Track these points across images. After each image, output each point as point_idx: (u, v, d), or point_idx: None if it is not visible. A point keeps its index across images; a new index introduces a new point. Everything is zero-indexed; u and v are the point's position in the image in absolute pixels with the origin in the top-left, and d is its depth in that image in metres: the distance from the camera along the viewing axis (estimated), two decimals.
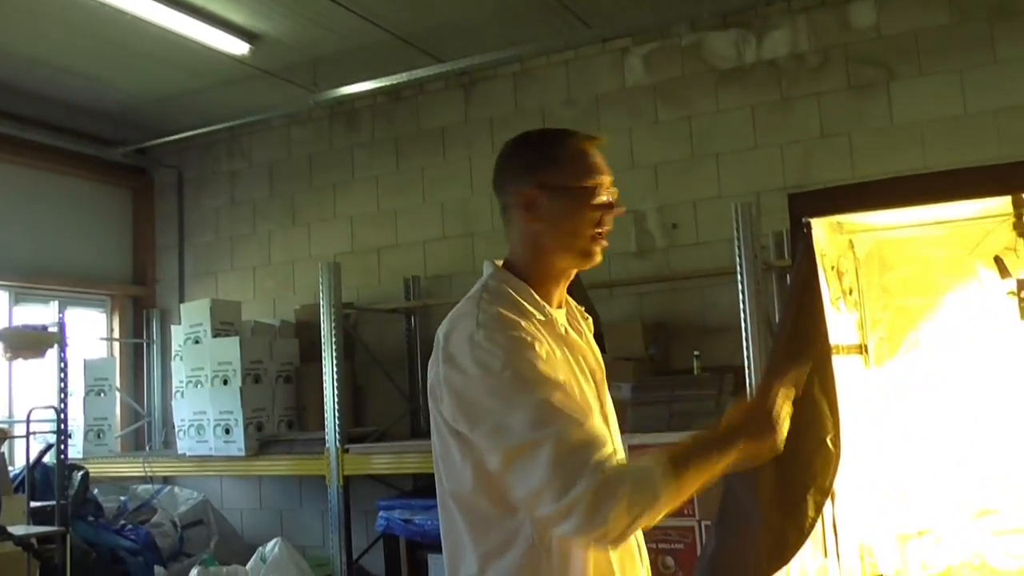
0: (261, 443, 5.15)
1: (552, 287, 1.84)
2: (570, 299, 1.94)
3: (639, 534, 1.83)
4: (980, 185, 3.11)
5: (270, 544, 4.91)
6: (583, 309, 1.96)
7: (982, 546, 3.47)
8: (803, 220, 3.22)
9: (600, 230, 1.79)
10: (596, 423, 1.64)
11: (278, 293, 6.14)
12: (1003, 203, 3.20)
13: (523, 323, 1.69)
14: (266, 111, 5.93)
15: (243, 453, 5.07)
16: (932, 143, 4.46)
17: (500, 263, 1.87)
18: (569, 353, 1.78)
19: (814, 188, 3.31)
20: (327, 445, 4.89)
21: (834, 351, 3.15)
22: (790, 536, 2.94)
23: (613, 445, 1.70)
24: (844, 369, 3.28)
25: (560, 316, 1.83)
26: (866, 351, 3.65)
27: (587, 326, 1.94)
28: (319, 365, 4.98)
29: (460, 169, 5.63)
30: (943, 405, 3.57)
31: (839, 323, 3.37)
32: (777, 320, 3.96)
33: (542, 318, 1.75)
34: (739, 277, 4.04)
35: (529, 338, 1.66)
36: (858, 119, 4.65)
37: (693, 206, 4.92)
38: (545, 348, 1.67)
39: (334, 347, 4.93)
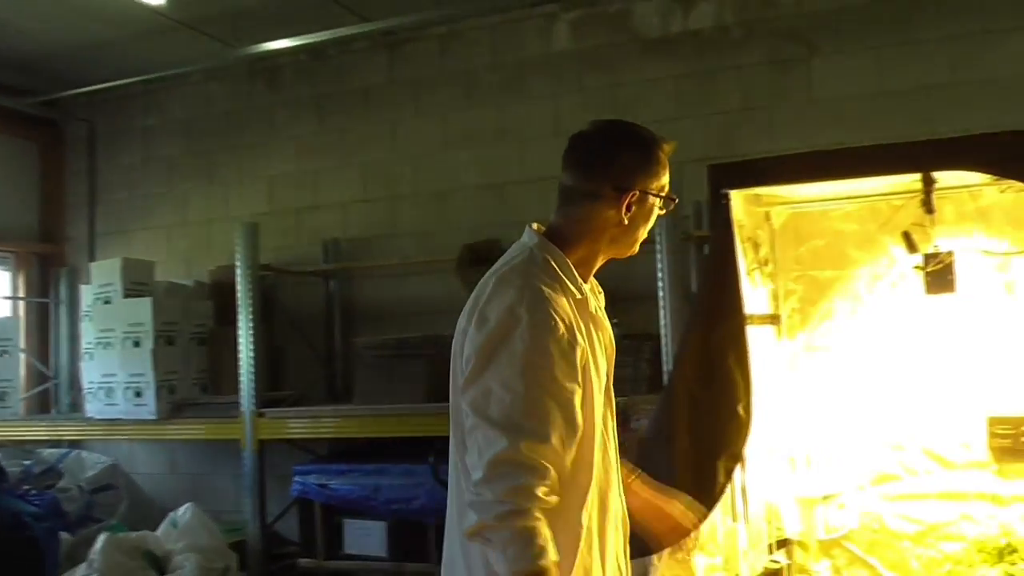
0: (173, 406, 5.06)
1: (592, 268, 1.97)
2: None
3: (623, 500, 1.99)
4: (891, 162, 3.18)
5: (182, 509, 4.84)
6: (598, 283, 2.07)
7: (881, 510, 3.60)
8: (722, 191, 3.25)
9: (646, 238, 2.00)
10: (557, 444, 1.73)
11: (193, 254, 6.00)
12: (913, 180, 3.28)
13: (563, 305, 1.80)
14: (183, 65, 5.76)
15: (155, 416, 4.97)
16: (849, 119, 4.55)
17: (538, 228, 1.95)
18: (595, 330, 1.91)
19: (734, 160, 3.35)
20: (242, 409, 4.82)
21: (748, 321, 3.20)
22: (701, 501, 3.00)
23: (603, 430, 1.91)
24: (757, 339, 3.35)
25: (590, 294, 1.94)
26: (778, 321, 3.73)
27: (602, 300, 2.06)
28: (235, 327, 4.89)
29: (383, 131, 5.55)
30: (850, 375, 3.67)
31: (754, 294, 3.44)
32: (694, 289, 4.02)
33: (579, 297, 1.87)
34: (658, 246, 4.08)
35: (563, 326, 1.77)
36: (779, 93, 4.72)
37: None
38: (575, 334, 1.79)
39: (250, 309, 4.85)
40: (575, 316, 1.82)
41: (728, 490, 3.07)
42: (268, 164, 5.86)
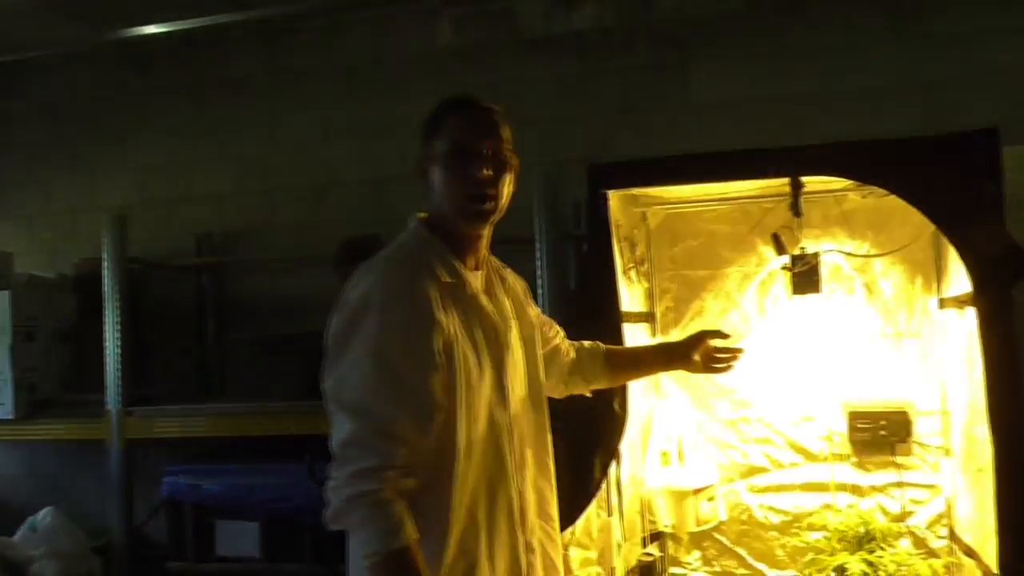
0: (33, 405, 4.82)
1: (465, 246, 1.93)
2: (493, 260, 2.05)
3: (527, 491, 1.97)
4: (762, 166, 3.27)
5: (42, 513, 4.63)
6: (508, 269, 2.08)
7: (749, 502, 3.73)
8: (600, 192, 3.29)
9: (473, 193, 1.88)
10: (409, 427, 1.73)
11: (57, 245, 5.72)
12: (782, 184, 3.39)
13: (423, 289, 1.79)
14: (48, 47, 5.48)
15: (12, 416, 4.74)
16: (723, 124, 4.69)
17: (424, 216, 1.95)
18: (475, 317, 1.89)
19: (613, 161, 3.39)
20: (108, 407, 4.62)
21: (624, 319, 3.25)
22: (578, 496, 3.03)
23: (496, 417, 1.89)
24: (632, 336, 3.40)
25: (475, 278, 1.92)
26: (653, 319, 3.81)
27: (510, 287, 2.06)
28: (101, 322, 4.69)
29: (260, 122, 5.42)
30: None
31: (629, 292, 3.50)
32: (573, 287, 4.07)
33: (450, 280, 1.85)
34: (538, 245, 4.11)
35: (418, 312, 1.77)
36: (657, 96, 4.82)
37: None
38: (435, 320, 1.77)
39: (117, 304, 4.66)
40: (443, 301, 1.82)
41: (603, 485, 3.12)
42: (139, 153, 5.64)
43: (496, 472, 1.89)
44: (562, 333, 2.32)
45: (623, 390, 3.05)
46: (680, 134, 4.69)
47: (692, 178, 3.37)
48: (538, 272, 4.09)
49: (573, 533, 3.05)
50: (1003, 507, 2.61)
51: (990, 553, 2.86)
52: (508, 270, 2.15)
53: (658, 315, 3.83)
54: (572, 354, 2.33)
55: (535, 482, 2.02)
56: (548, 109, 4.94)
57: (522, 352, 2.03)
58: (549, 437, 2.07)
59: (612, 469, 3.20)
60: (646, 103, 4.84)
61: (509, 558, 1.90)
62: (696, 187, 3.54)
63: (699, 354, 2.44)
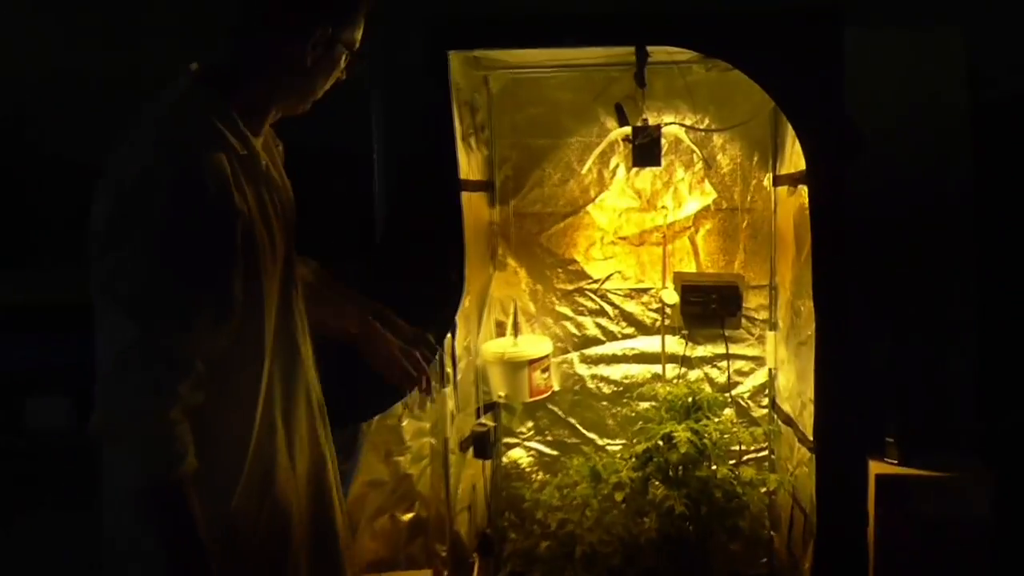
0: None
1: (264, 119, 1.68)
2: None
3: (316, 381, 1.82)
4: (609, 32, 3.17)
5: None
6: (274, 135, 1.81)
7: (582, 372, 3.78)
8: (441, 51, 3.13)
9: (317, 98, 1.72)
10: (203, 329, 1.50)
11: None
12: (628, 53, 3.31)
13: (216, 163, 1.51)
14: None
15: None
16: None
17: (196, 68, 1.62)
18: (267, 193, 1.65)
19: (455, 19, 3.20)
20: None
21: (462, 187, 3.15)
22: (410, 369, 2.97)
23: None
24: (470, 205, 3.32)
25: (261, 150, 1.67)
26: (492, 188, 3.72)
27: (279, 153, 1.80)
28: None
29: None
30: (546, 239, 3.76)
31: (468, 159, 3.38)
32: (409, 153, 3.91)
33: (243, 153, 1.59)
34: (373, 106, 3.90)
35: (214, 190, 1.49)
36: None
37: None
38: (231, 199, 1.52)
39: None
40: (236, 177, 1.55)
41: (438, 355, 3.07)
42: None
43: (291, 363, 1.72)
44: None
45: (460, 258, 2.97)
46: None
47: (536, 41, 3.24)
48: (374, 134, 3.90)
49: (406, 404, 3.01)
50: (821, 379, 2.73)
51: (806, 421, 3.00)
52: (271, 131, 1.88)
53: (497, 184, 3.74)
54: None
55: None
56: None
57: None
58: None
59: (447, 340, 3.15)
60: None
61: (310, 450, 1.77)
62: (540, 52, 3.42)
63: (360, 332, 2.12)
